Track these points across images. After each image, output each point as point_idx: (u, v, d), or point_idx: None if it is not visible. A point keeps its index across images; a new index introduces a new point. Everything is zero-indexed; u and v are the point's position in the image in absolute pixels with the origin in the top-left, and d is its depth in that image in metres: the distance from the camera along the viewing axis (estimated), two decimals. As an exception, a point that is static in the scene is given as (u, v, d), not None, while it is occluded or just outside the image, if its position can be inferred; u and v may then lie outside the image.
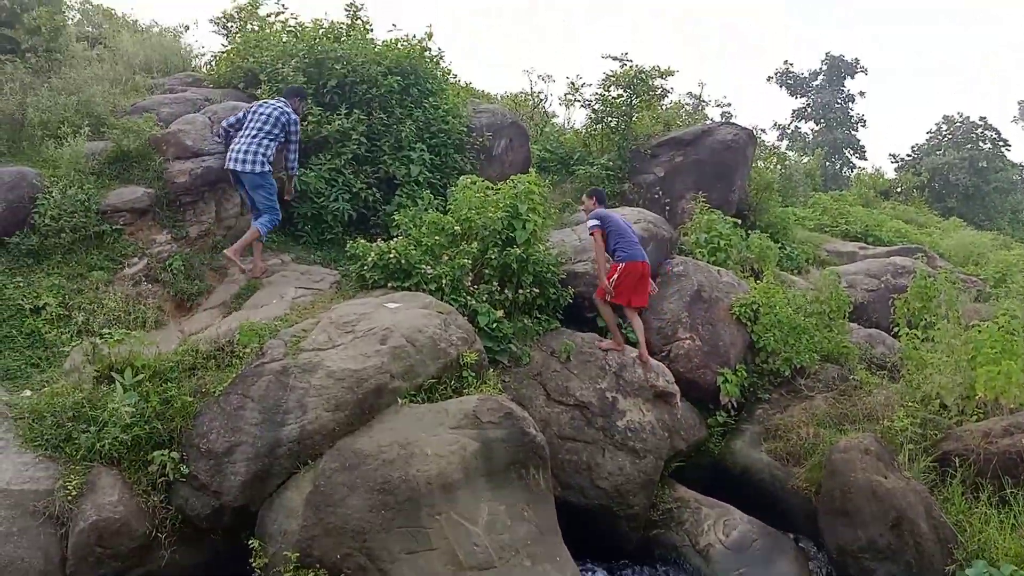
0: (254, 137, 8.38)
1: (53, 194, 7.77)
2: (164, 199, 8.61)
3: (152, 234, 8.34)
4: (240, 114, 8.82)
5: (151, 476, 5.62)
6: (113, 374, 6.00)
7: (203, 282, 8.25)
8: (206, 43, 15.64)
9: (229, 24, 13.46)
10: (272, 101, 8.82)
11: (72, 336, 6.92)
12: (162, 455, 5.61)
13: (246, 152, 8.29)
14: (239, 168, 8.28)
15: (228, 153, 8.40)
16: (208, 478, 5.60)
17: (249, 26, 12.80)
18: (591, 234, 8.09)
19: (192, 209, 8.77)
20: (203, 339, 6.85)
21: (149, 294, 7.78)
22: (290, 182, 9.06)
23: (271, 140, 8.46)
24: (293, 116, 8.66)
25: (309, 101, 10.05)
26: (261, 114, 8.55)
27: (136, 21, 14.92)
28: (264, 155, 8.33)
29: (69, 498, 5.29)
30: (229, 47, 12.50)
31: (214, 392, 6.06)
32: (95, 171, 8.47)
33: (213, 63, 12.75)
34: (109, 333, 6.40)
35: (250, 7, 13.05)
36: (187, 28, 14.84)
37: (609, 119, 14.31)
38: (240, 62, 11.42)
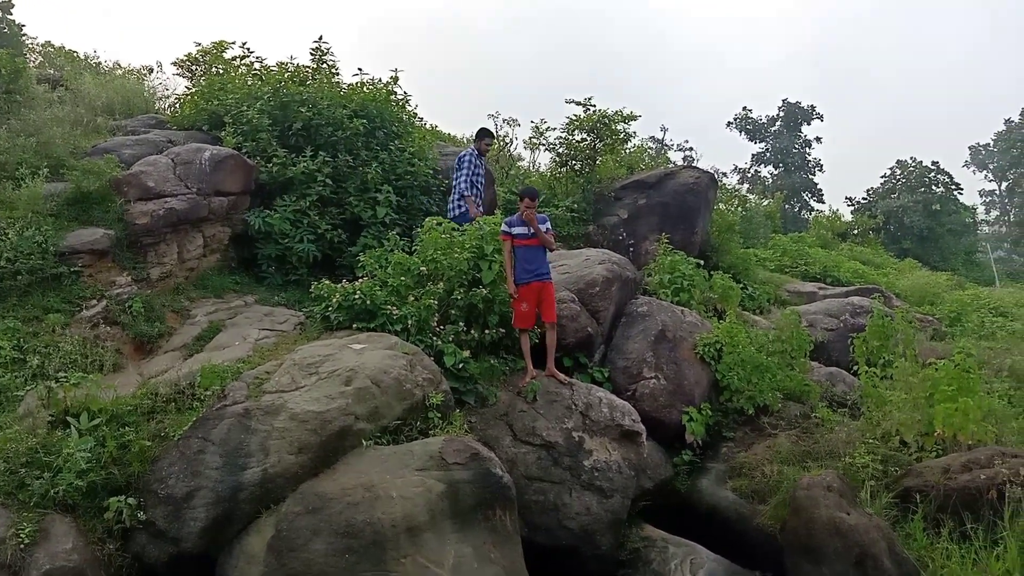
0: (452, 191, 10.58)
1: (9, 235, 7.65)
2: (124, 241, 8.53)
3: (111, 276, 8.23)
4: None
5: (107, 523, 5.46)
6: (68, 419, 5.87)
7: (164, 324, 8.13)
8: (170, 85, 15.68)
9: (193, 67, 13.51)
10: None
11: (26, 380, 6.75)
12: (118, 501, 5.47)
13: (448, 203, 10.56)
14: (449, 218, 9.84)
15: None
16: (166, 524, 5.45)
17: (214, 69, 12.84)
18: (552, 236, 8.12)
19: (154, 250, 8.68)
20: (163, 382, 6.73)
21: (107, 337, 7.64)
22: (473, 206, 10.28)
23: (455, 189, 10.45)
24: (460, 157, 10.55)
25: (275, 144, 10.20)
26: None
27: (99, 64, 14.91)
28: (455, 202, 10.39)
29: (22, 546, 5.09)
30: (193, 89, 12.53)
31: (173, 436, 5.94)
32: (53, 212, 8.37)
33: (177, 105, 12.75)
34: (65, 377, 6.27)
35: (215, 50, 13.10)
36: (151, 71, 14.85)
37: (573, 162, 14.54)
38: (204, 104, 11.44)
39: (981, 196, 52.84)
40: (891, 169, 37.76)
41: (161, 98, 13.76)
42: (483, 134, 10.91)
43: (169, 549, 5.44)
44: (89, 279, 8.08)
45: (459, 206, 10.30)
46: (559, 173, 14.87)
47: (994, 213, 53.02)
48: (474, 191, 10.46)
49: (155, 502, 5.54)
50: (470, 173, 10.43)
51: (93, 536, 5.43)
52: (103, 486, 5.61)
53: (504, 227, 7.94)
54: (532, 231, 7.84)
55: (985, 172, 53.05)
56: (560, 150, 14.65)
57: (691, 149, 36.29)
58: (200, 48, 13.43)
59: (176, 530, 5.43)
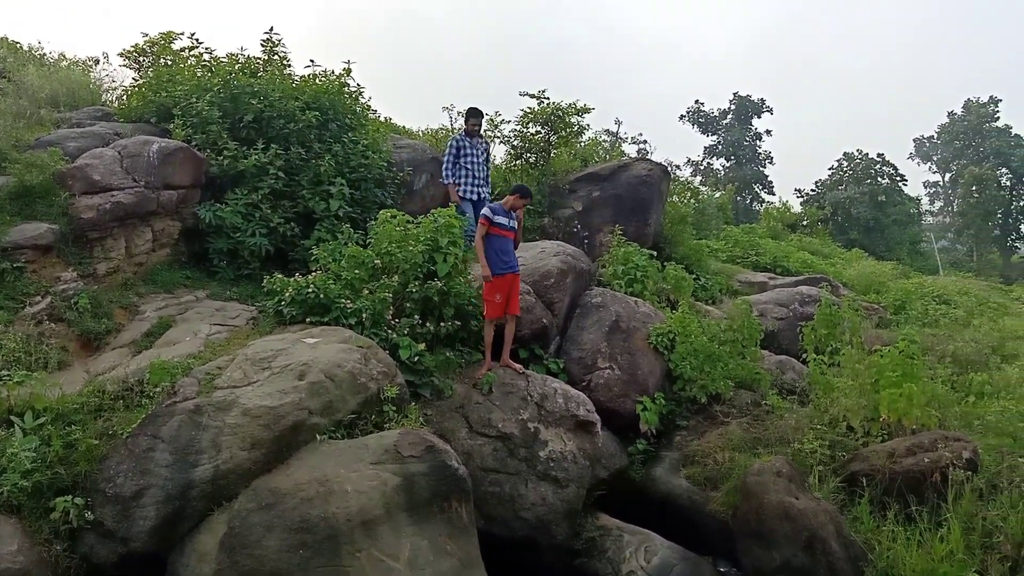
0: None
1: (-52, 231, 7.41)
2: (70, 235, 8.32)
3: (56, 271, 8.03)
4: None
5: (54, 523, 5.35)
6: (12, 418, 5.73)
7: (111, 320, 7.96)
8: (117, 77, 15.32)
9: (141, 58, 13.18)
10: None
11: (-32, 379, 6.56)
12: (65, 501, 5.36)
13: None
14: None
15: None
16: (115, 524, 5.36)
17: (162, 60, 12.57)
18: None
19: (100, 245, 8.49)
20: (110, 379, 6.60)
21: (52, 334, 7.45)
22: (454, 191, 10.41)
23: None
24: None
25: (225, 136, 10.04)
26: None
27: (43, 55, 14.47)
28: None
29: (-36, 549, 4.98)
30: (141, 81, 12.25)
31: (122, 434, 5.83)
32: (-6, 207, 8.13)
33: (124, 97, 12.46)
34: (8, 375, 6.12)
35: (163, 41, 12.83)
36: (97, 62, 14.45)
37: (528, 155, 14.56)
38: (152, 96, 11.20)
39: (925, 187, 54.40)
40: (838, 161, 38.65)
41: (108, 90, 13.39)
42: (469, 113, 10.64)
43: (118, 549, 5.35)
44: (33, 275, 7.88)
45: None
46: (514, 166, 14.87)
47: (938, 204, 54.59)
48: (462, 173, 10.36)
49: (103, 501, 5.45)
50: (451, 156, 10.42)
51: (39, 537, 5.31)
52: (49, 486, 5.49)
53: (487, 212, 7.98)
54: (512, 224, 8.05)
55: (929, 164, 54.53)
56: (515, 143, 14.66)
57: (645, 142, 36.60)
58: (148, 39, 13.11)
59: (125, 530, 5.34)
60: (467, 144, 10.42)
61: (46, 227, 8.08)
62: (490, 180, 10.95)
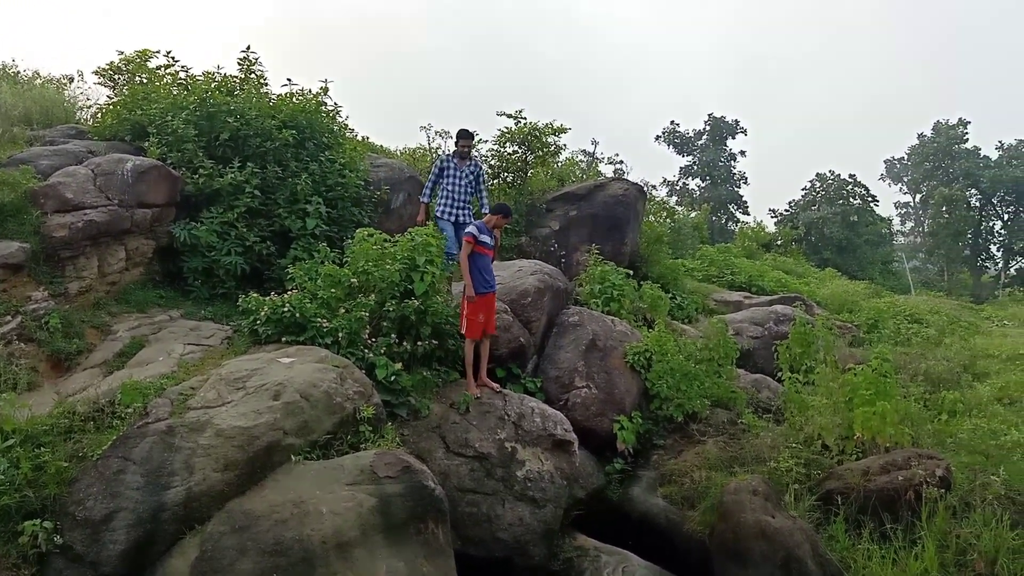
0: None
1: (-84, 249, 7.28)
2: (41, 254, 8.20)
3: (27, 291, 7.90)
4: None
5: (22, 548, 5.22)
6: (-21, 440, 5.61)
7: (83, 340, 7.84)
8: (91, 95, 15.19)
9: (116, 76, 13.08)
10: None
11: (-66, 401, 6.42)
12: (34, 525, 5.24)
13: None
14: None
15: None
16: (84, 548, 5.25)
17: (137, 78, 12.49)
18: None
19: (72, 264, 8.38)
20: (81, 400, 6.48)
21: (22, 354, 7.31)
22: (423, 211, 10.52)
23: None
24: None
25: (201, 154, 10.01)
26: None
27: (17, 73, 14.33)
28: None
29: (-73, 576, 4.86)
30: (116, 99, 12.16)
31: (92, 456, 5.73)
32: (-36, 226, 8.00)
33: (98, 115, 12.35)
34: (-25, 396, 5.98)
35: (138, 59, 12.75)
36: (71, 80, 14.30)
37: (505, 174, 14.62)
38: (127, 114, 11.11)
39: (896, 208, 55.33)
40: (811, 182, 39.20)
41: (82, 108, 13.27)
42: (458, 135, 10.46)
43: (88, 574, 5.23)
44: (3, 294, 7.74)
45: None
46: (491, 185, 14.91)
47: (909, 224, 55.50)
48: (442, 195, 10.28)
49: (72, 525, 5.33)
50: (432, 176, 10.42)
51: (7, 562, 5.19)
52: (17, 509, 5.37)
53: (473, 230, 8.02)
54: (491, 242, 8.13)
55: (900, 185, 55.44)
56: (492, 162, 14.73)
57: (621, 162, 36.67)
58: (123, 57, 13.03)
59: (95, 554, 5.23)
60: (452, 166, 10.30)
61: (17, 246, 7.96)
62: (487, 202, 10.65)
